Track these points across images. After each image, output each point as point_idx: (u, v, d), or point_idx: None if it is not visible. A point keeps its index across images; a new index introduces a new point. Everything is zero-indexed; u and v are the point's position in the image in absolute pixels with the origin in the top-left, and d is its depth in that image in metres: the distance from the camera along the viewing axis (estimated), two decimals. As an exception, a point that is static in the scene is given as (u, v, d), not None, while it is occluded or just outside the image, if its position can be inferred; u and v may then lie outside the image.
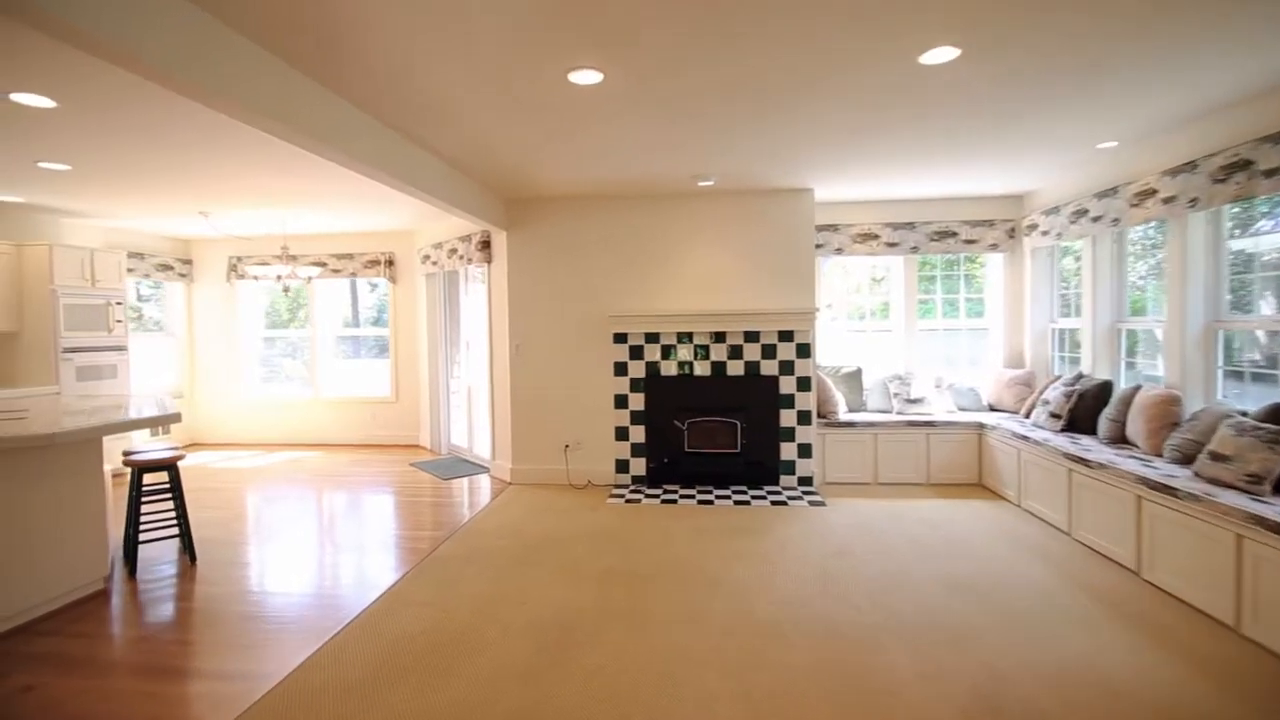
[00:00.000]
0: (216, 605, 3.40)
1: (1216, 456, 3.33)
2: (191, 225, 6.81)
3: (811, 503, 4.97)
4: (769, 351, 5.51)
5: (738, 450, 5.47)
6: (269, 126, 2.89)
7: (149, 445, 4.99)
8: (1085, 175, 5.04)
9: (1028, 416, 5.32)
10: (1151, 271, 4.92)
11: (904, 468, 5.48)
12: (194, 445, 7.91)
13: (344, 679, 2.65)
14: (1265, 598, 2.81)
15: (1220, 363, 4.04)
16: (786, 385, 5.48)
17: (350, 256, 7.64)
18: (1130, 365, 4.97)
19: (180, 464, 7.00)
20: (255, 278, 7.36)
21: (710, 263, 5.62)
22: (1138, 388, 4.33)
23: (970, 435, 5.44)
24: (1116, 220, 4.67)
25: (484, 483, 5.86)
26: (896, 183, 5.34)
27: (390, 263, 7.58)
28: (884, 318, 6.47)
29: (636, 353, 5.65)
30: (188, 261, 7.85)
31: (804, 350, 5.47)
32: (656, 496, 5.24)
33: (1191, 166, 3.91)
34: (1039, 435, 4.68)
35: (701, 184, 5.24)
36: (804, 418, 5.46)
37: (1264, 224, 3.95)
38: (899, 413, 5.65)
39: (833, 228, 6.14)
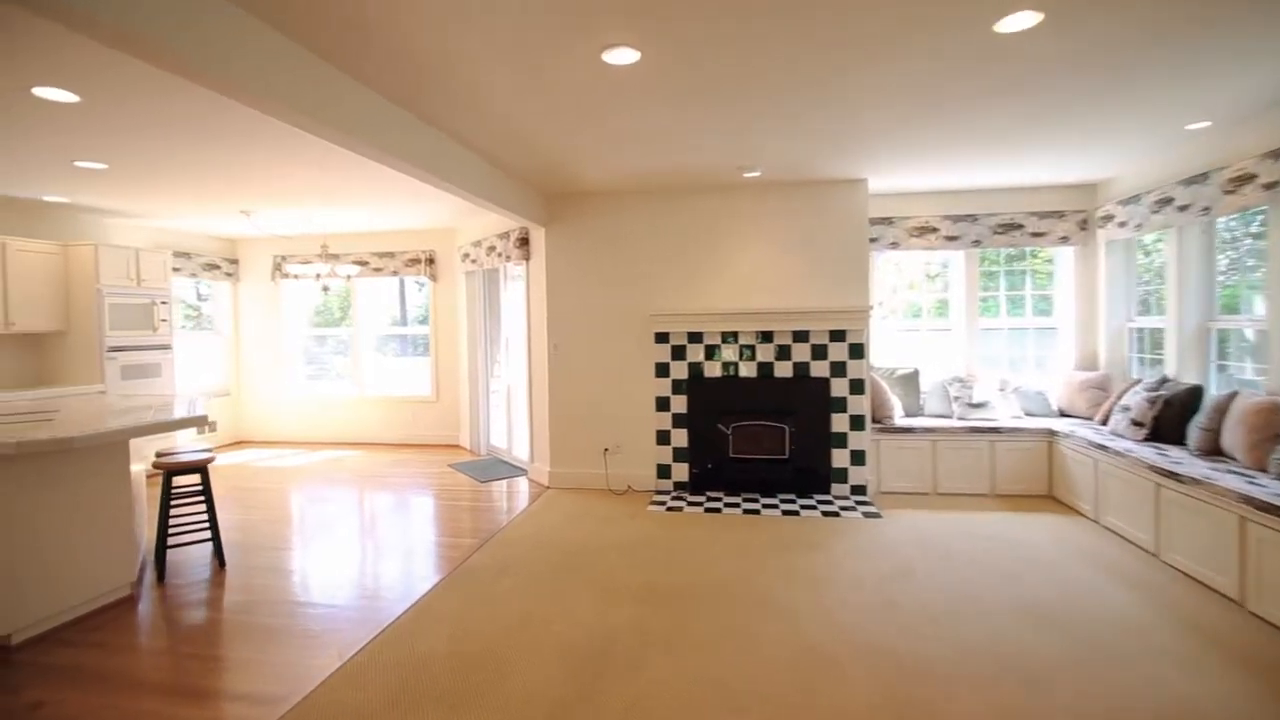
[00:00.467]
0: (239, 615, 3.24)
1: (1349, 475, 2.87)
2: (236, 225, 6.80)
3: (866, 514, 4.60)
4: (819, 352, 5.14)
5: (786, 456, 5.13)
6: (298, 120, 2.73)
7: (184, 446, 4.94)
8: (1171, 160, 4.53)
9: (1104, 423, 4.84)
10: (1233, 266, 4.42)
11: (966, 477, 5.05)
12: (240, 443, 7.94)
13: (361, 705, 2.43)
14: None
15: (1342, 366, 3.53)
16: (838, 388, 5.10)
17: (391, 255, 7.54)
18: (1221, 368, 4.46)
19: (224, 462, 7.08)
20: (295, 276, 7.34)
21: (756, 259, 5.29)
22: (1234, 394, 3.85)
23: (1039, 443, 4.98)
24: (1207, 209, 4.17)
25: (522, 486, 5.65)
26: (958, 172, 4.92)
27: (431, 261, 7.46)
28: (941, 316, 6.02)
29: (679, 353, 5.35)
30: (234, 261, 7.88)
31: (857, 351, 5.09)
32: (699, 504, 4.94)
33: (1307, 145, 3.42)
34: (1120, 445, 4.22)
35: (747, 175, 4.91)
36: (857, 422, 5.08)
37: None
38: (960, 418, 5.22)
39: (887, 221, 5.73)
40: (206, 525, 4.01)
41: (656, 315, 5.26)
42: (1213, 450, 3.88)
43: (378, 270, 7.56)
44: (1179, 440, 4.18)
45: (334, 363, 8.31)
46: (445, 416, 7.57)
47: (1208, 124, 3.85)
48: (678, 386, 5.35)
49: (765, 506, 4.82)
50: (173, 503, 4.31)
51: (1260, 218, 4.09)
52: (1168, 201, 4.52)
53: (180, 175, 4.61)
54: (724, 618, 3.09)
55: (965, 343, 5.75)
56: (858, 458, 5.08)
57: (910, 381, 5.51)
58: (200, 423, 3.49)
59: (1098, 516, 4.38)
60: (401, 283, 8.21)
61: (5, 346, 5.55)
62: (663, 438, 5.37)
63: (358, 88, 3.02)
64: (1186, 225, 4.48)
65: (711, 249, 5.34)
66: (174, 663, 2.80)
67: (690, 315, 5.22)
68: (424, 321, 7.83)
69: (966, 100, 3.35)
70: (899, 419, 5.24)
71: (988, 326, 5.84)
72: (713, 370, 5.31)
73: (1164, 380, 4.45)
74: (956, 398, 5.30)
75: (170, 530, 4.17)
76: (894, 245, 5.78)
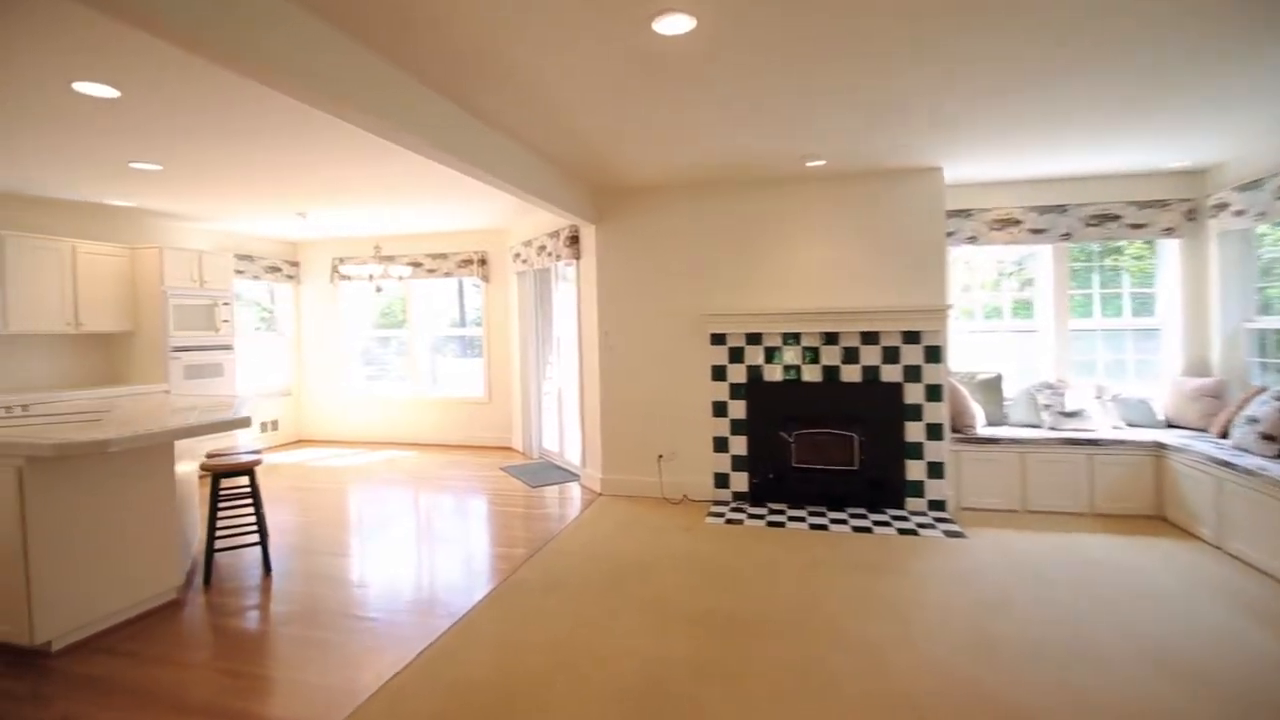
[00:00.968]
0: (280, 627, 3.05)
1: None
2: (296, 228, 6.79)
3: (948, 533, 4.11)
4: (891, 355, 4.68)
5: (855, 467, 4.68)
6: (339, 109, 2.54)
7: (242, 445, 4.86)
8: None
9: (1224, 436, 4.21)
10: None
11: (1060, 494, 4.49)
12: (301, 442, 7.96)
13: (393, 742, 2.17)
14: None
15: None
16: (912, 394, 4.63)
17: (444, 256, 7.42)
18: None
19: (283, 461, 7.08)
20: (349, 278, 7.29)
21: (820, 255, 4.87)
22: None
23: (1146, 457, 4.38)
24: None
25: (574, 492, 5.37)
26: (1046, 158, 4.39)
27: (483, 262, 7.30)
28: (1025, 316, 5.45)
29: (736, 355, 4.97)
30: (294, 263, 7.92)
31: (934, 354, 4.60)
32: (761, 517, 4.54)
33: None
34: (1249, 461, 3.62)
35: (811, 165, 4.50)
36: (934, 432, 4.59)
37: None
38: (1052, 428, 4.67)
39: (964, 213, 5.21)
40: (255, 529, 3.87)
41: (712, 315, 4.90)
42: (1369, 470, 3.27)
43: (431, 271, 7.45)
44: (1323, 457, 3.56)
45: (394, 364, 8.25)
46: (498, 418, 7.39)
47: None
48: (736, 391, 4.97)
49: (834, 521, 4.38)
50: (222, 504, 4.21)
51: None
52: (1302, 184, 3.90)
53: (232, 176, 4.52)
54: (792, 651, 2.71)
55: (1054, 345, 5.17)
56: (935, 470, 4.59)
57: (992, 388, 4.98)
58: (243, 425, 3.33)
59: (1220, 542, 3.78)
60: (460, 284, 8.07)
61: (77, 347, 5.63)
62: (720, 445, 4.99)
63: (399, 75, 2.80)
64: (1327, 210, 3.85)
65: (771, 245, 4.95)
66: (205, 678, 2.60)
67: (748, 315, 4.84)
68: (480, 323, 7.68)
69: (1063, 73, 2.89)
70: (981, 428, 4.72)
71: (1079, 327, 5.24)
72: (773, 374, 4.91)
73: (1300, 388, 3.82)
74: (1046, 406, 4.75)
75: (220, 533, 4.07)
76: (972, 239, 5.26)
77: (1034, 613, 3.02)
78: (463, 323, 8.25)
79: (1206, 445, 4.05)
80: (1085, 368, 5.21)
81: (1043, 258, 5.30)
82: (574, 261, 5.60)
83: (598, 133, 3.75)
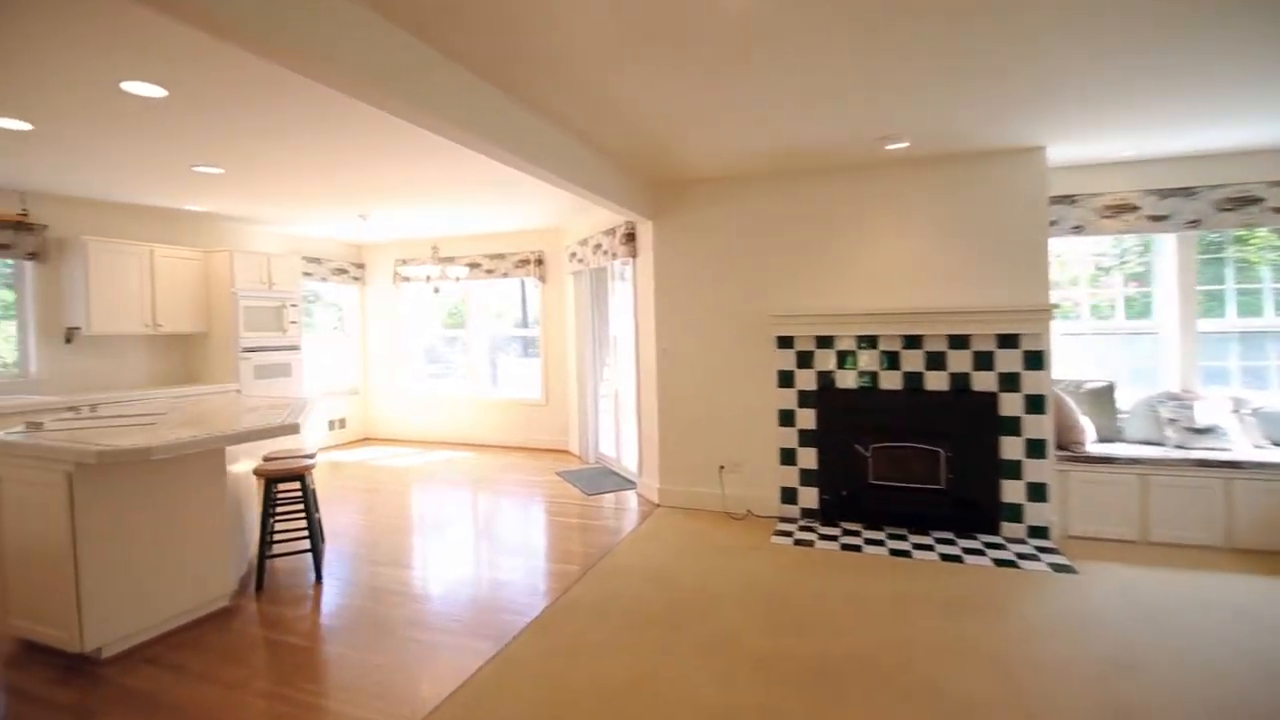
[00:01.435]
0: (322, 645, 2.85)
1: None
2: (361, 230, 6.75)
3: (1055, 566, 3.54)
4: (983, 361, 4.12)
5: (941, 486, 4.14)
6: (385, 101, 2.34)
7: (299, 447, 4.78)
8: None
9: (1403, 461, 3.46)
10: None
11: (1190, 523, 3.82)
12: (367, 439, 7.99)
13: (419, 804, 1.89)
14: None
15: None
16: (1009, 405, 4.05)
17: (501, 256, 7.24)
18: None
19: (348, 459, 7.08)
20: (407, 279, 7.23)
21: (901, 249, 4.35)
22: None
23: (1298, 483, 3.67)
24: None
25: (630, 501, 5.05)
26: (1171, 131, 3.72)
27: (540, 262, 7.07)
28: (1139, 315, 4.74)
29: (805, 360, 4.52)
30: (360, 265, 7.94)
31: (1035, 360, 4.01)
32: (834, 539, 4.07)
33: None
34: None
35: (890, 148, 3.99)
36: (1035, 448, 4.00)
37: None
38: (1178, 445, 3.99)
39: (1069, 200, 4.57)
40: (307, 535, 3.73)
41: (778, 316, 4.46)
42: None
43: (490, 272, 7.29)
44: None
45: (458, 364, 8.15)
46: (555, 420, 7.16)
47: None
48: (804, 398, 4.51)
49: (917, 547, 3.87)
50: (278, 508, 4.12)
51: None
52: None
53: (289, 176, 4.41)
54: (881, 711, 2.28)
55: (1178, 350, 4.45)
56: (1037, 492, 4.00)
57: (1103, 398, 4.33)
58: (290, 432, 3.16)
59: (1404, 591, 3.08)
60: (522, 284, 7.88)
61: (155, 347, 5.74)
62: (787, 457, 4.55)
63: (445, 62, 2.55)
64: None
65: (844, 239, 4.46)
66: (240, 700, 2.42)
67: (818, 316, 4.37)
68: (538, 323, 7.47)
69: (1217, 10, 2.32)
70: (1091, 445, 4.10)
71: (1209, 329, 4.50)
72: (846, 380, 4.43)
73: None
74: (1171, 420, 4.07)
75: (276, 537, 3.97)
76: (1078, 229, 4.60)
77: (1173, 678, 2.47)
78: (525, 323, 8.07)
79: (1383, 472, 3.33)
80: (1216, 375, 4.47)
81: (1162, 249, 4.59)
82: (630, 260, 5.27)
83: (657, 119, 3.39)
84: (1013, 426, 4.04)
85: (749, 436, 4.66)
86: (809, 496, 4.48)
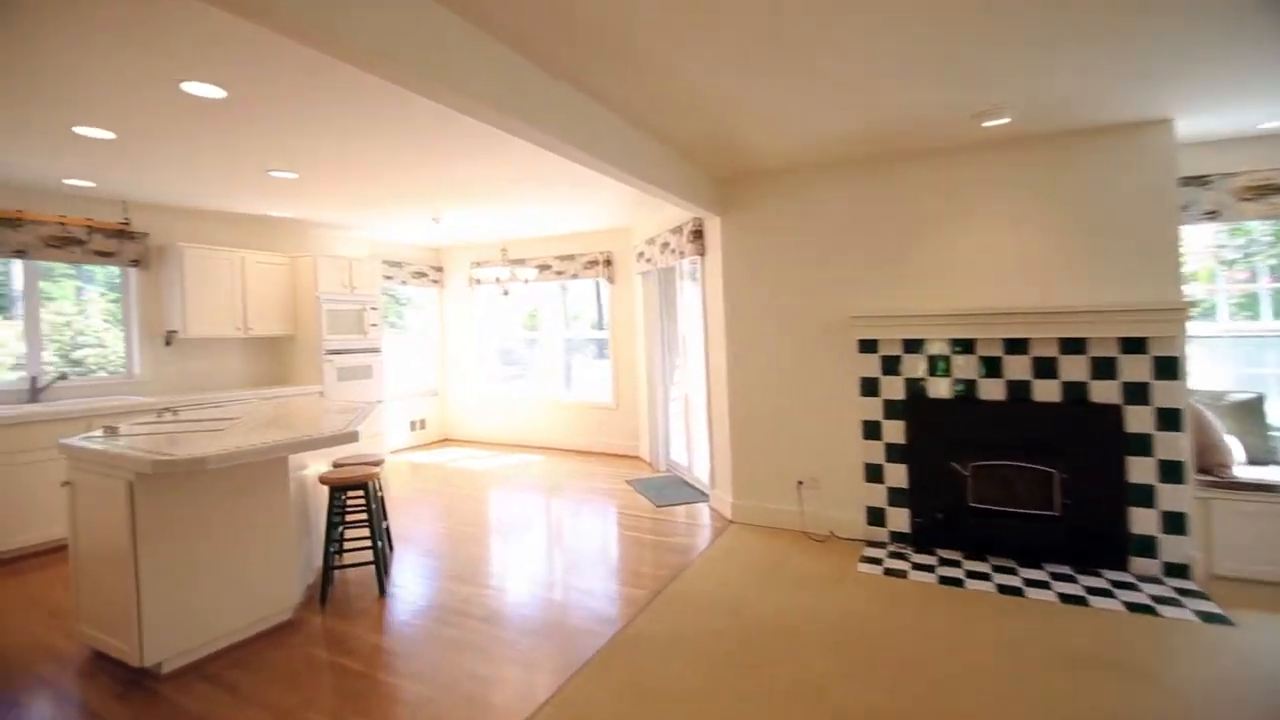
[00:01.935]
0: (376, 673, 2.63)
1: None
2: (438, 234, 6.68)
3: (1202, 615, 2.88)
4: (1104, 369, 3.48)
5: (1056, 512, 3.53)
6: (445, 95, 2.09)
7: (374, 452, 4.68)
8: None
9: None
10: None
11: (1377, 569, 3.07)
12: (445, 440, 7.96)
13: None
14: None
15: None
16: (1137, 420, 3.40)
17: (571, 258, 7.00)
18: None
19: (427, 460, 7.01)
20: (479, 281, 7.09)
21: (999, 241, 3.74)
22: None
23: None
24: None
25: (703, 515, 4.66)
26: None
27: (608, 262, 6.78)
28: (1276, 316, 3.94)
29: (891, 365, 3.99)
30: (439, 269, 7.91)
31: (1168, 367, 3.34)
32: (929, 569, 3.54)
33: None
34: None
35: (988, 124, 3.40)
36: (1171, 471, 3.33)
37: None
38: (1359, 474, 3.24)
39: (1201, 180, 3.84)
40: (370, 545, 3.56)
41: (859, 317, 3.96)
42: None
43: (560, 274, 7.06)
44: None
45: (533, 366, 8.01)
46: (625, 425, 6.85)
47: None
48: (891, 409, 3.99)
49: (1030, 584, 3.29)
50: (348, 515, 4.00)
51: None
52: None
53: (359, 178, 4.27)
54: (1005, 804, 1.81)
55: (1351, 357, 3.65)
56: (1174, 523, 3.33)
57: (1251, 413, 3.59)
58: (348, 440, 2.97)
59: None
60: (597, 285, 7.62)
61: (246, 350, 5.83)
62: (873, 473, 4.04)
63: (508, 53, 2.26)
64: None
65: (935, 231, 3.90)
66: (281, 737, 2.22)
67: (905, 317, 3.84)
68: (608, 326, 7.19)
69: None
70: (1239, 469, 3.38)
71: (1392, 333, 3.66)
72: (939, 389, 3.87)
73: None
74: (1348, 442, 3.31)
75: (345, 545, 3.85)
76: (1211, 215, 3.86)
77: (1399, 782, 1.87)
78: (600, 325, 7.81)
79: None
80: (1402, 389, 3.64)
81: (1327, 239, 3.78)
82: (699, 258, 4.87)
83: (720, 102, 2.98)
84: (1142, 445, 3.38)
85: (829, 450, 4.18)
86: (899, 518, 3.95)
